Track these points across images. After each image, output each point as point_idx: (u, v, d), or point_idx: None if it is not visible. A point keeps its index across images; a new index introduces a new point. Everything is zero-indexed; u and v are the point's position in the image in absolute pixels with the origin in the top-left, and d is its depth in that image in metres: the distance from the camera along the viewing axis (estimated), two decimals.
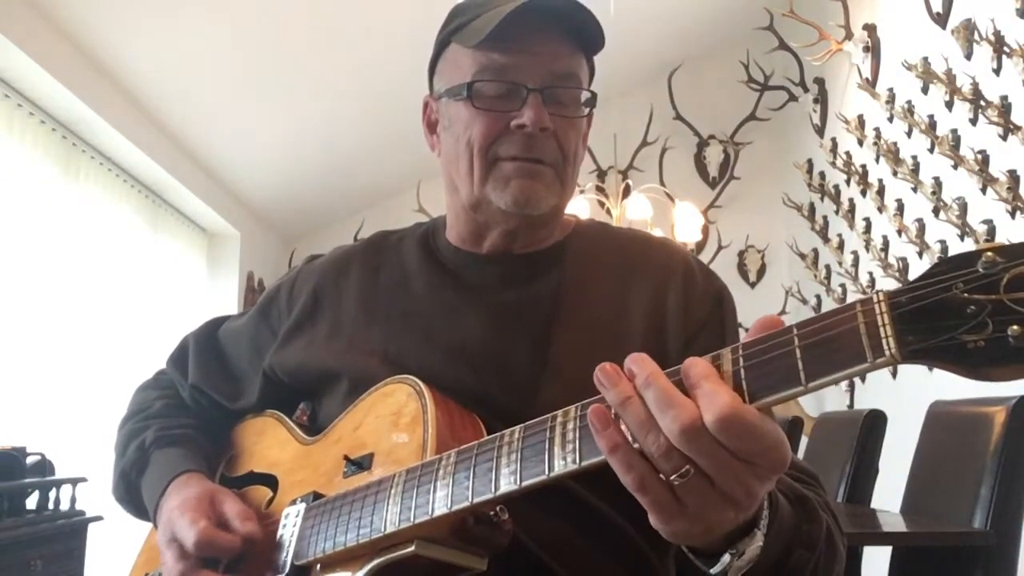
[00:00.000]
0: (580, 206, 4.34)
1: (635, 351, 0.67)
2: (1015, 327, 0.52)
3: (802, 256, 5.21)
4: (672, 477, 0.63)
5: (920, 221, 3.66)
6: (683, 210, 4.59)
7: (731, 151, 5.91)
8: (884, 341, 0.56)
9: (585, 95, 1.01)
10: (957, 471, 2.11)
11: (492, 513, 0.78)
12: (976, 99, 3.12)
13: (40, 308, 3.51)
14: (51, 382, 3.54)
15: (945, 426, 2.29)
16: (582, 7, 0.96)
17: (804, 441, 3.55)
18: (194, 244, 5.35)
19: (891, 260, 4.00)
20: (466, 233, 1.06)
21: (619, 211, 4.75)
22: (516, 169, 0.97)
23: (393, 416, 0.91)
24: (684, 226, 4.55)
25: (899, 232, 3.85)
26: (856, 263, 4.45)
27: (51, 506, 2.83)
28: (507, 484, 0.73)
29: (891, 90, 3.93)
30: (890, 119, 3.94)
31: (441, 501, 0.76)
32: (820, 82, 5.06)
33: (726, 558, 0.69)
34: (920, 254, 3.67)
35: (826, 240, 4.87)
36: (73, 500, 2.92)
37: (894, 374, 3.92)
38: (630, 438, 0.64)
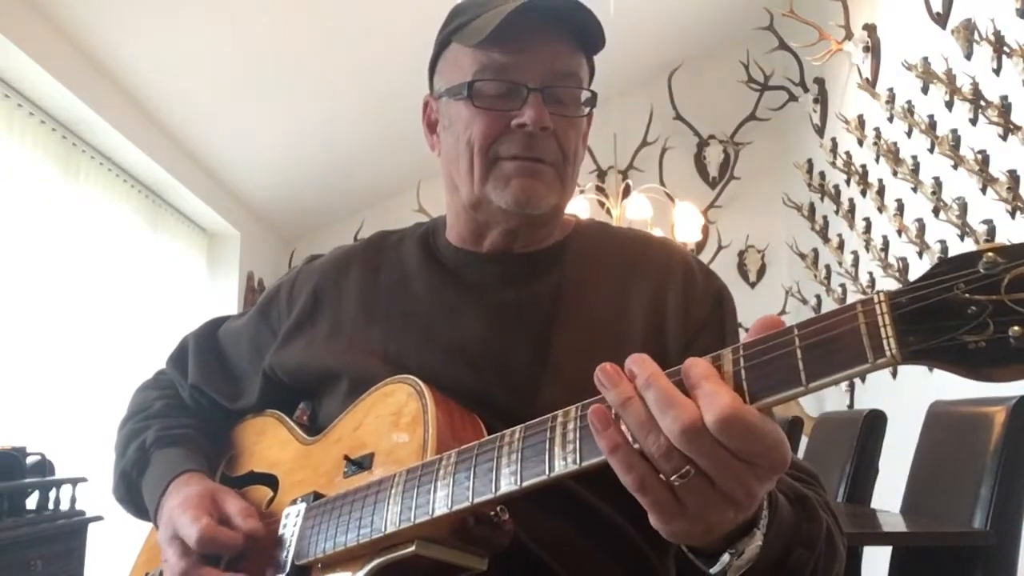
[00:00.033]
0: (580, 206, 4.34)
1: (635, 351, 0.67)
2: (1016, 328, 0.52)
3: (802, 256, 5.21)
4: (672, 477, 0.63)
5: (920, 221, 3.66)
6: (683, 210, 4.59)
7: (731, 151, 5.91)
8: (885, 342, 0.56)
9: (585, 94, 1.01)
10: (957, 471, 2.11)
11: (492, 513, 0.78)
12: (976, 99, 3.12)
13: (40, 308, 3.51)
14: (51, 382, 3.54)
15: (945, 426, 2.29)
16: (583, 7, 0.96)
17: (804, 441, 3.56)
18: (194, 244, 5.35)
19: (891, 260, 4.00)
20: (466, 233, 1.06)
21: (619, 211, 4.75)
22: (516, 168, 0.97)
23: (393, 416, 0.91)
24: (684, 226, 4.55)
25: (899, 232, 3.85)
26: (856, 263, 4.45)
27: (51, 506, 2.83)
28: (507, 484, 0.73)
29: (891, 90, 3.93)
30: (890, 119, 3.94)
31: (441, 501, 0.76)
32: (820, 82, 5.06)
33: (726, 558, 0.69)
34: (920, 254, 3.67)
35: (826, 240, 4.88)
36: (73, 500, 2.92)
37: (894, 374, 3.92)
38: (630, 438, 0.64)
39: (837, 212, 4.71)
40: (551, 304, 1.00)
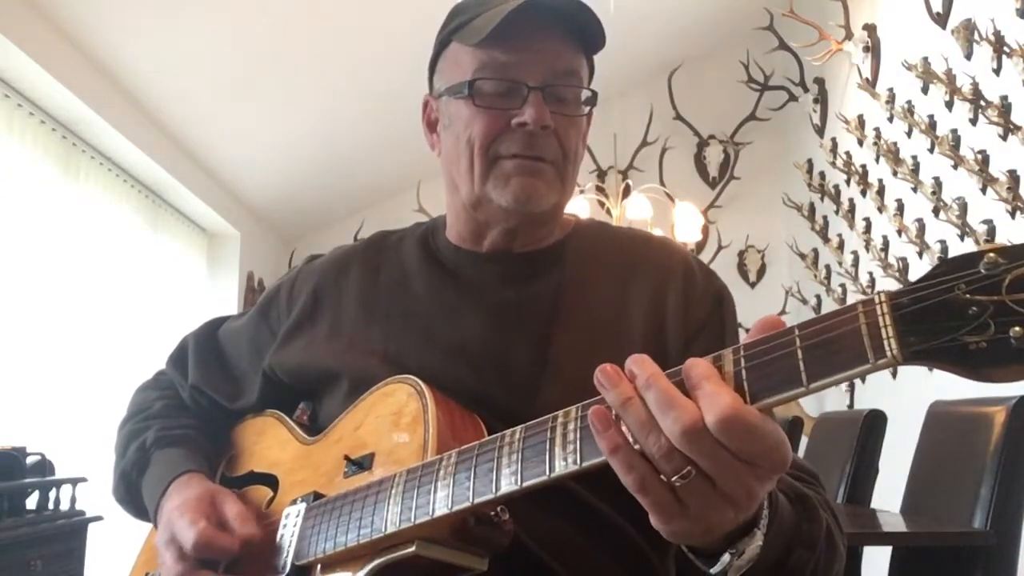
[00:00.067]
0: (580, 206, 4.34)
1: (635, 351, 0.67)
2: (1017, 328, 0.52)
3: (802, 256, 5.21)
4: (673, 478, 0.63)
5: (920, 221, 3.66)
6: (683, 210, 4.59)
7: (731, 151, 5.91)
8: (886, 342, 0.56)
9: (585, 93, 1.01)
10: (957, 471, 2.11)
11: (493, 513, 0.78)
12: (976, 99, 3.12)
13: (40, 308, 3.51)
14: (51, 382, 3.54)
15: (945, 426, 2.29)
16: (583, 6, 0.96)
17: (804, 441, 3.56)
18: (194, 244, 5.35)
19: (891, 260, 4.00)
20: (466, 232, 1.06)
21: (619, 211, 4.76)
22: (517, 167, 0.97)
23: (394, 416, 0.91)
24: (684, 226, 4.55)
25: (899, 232, 3.85)
26: (856, 263, 4.45)
27: (51, 506, 2.83)
28: (508, 484, 0.73)
29: (891, 90, 3.93)
30: (890, 119, 3.94)
31: (442, 501, 0.76)
32: (820, 82, 5.06)
33: (726, 558, 0.69)
34: (920, 254, 3.67)
35: (826, 240, 4.87)
36: (73, 500, 2.92)
37: (894, 374, 3.92)
38: (631, 439, 0.64)
39: (837, 212, 4.71)
40: (551, 304, 1.00)
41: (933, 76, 3.44)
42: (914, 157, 3.72)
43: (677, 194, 5.06)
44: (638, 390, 0.64)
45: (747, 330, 0.65)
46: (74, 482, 2.93)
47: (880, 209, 4.09)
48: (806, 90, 5.33)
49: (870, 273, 4.29)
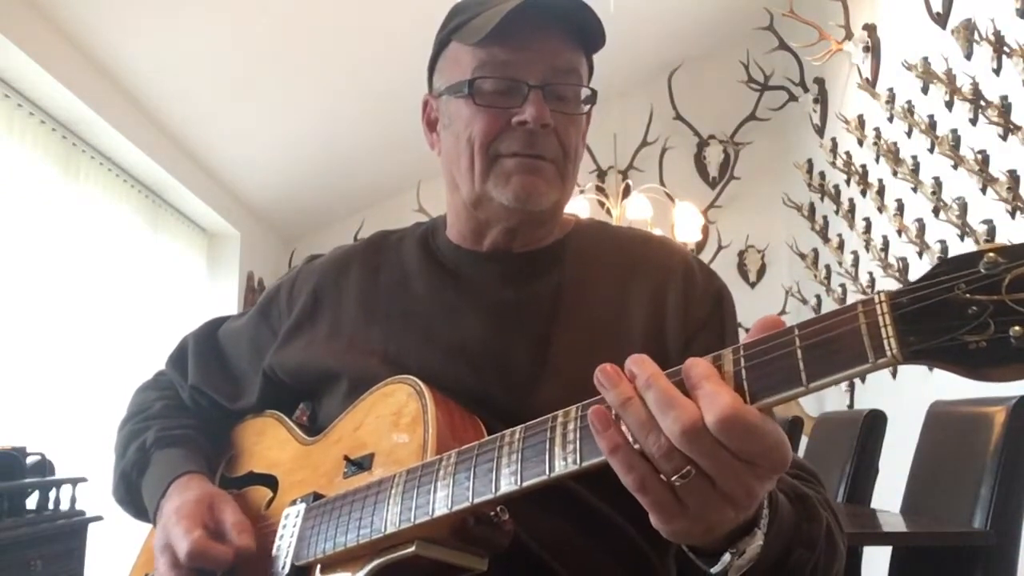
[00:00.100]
0: (580, 206, 4.34)
1: (635, 351, 0.67)
2: (1017, 328, 0.52)
3: (802, 256, 5.21)
4: (673, 478, 0.63)
5: (920, 221, 3.66)
6: (683, 210, 4.59)
7: (731, 151, 5.91)
8: (885, 341, 0.56)
9: (585, 92, 1.01)
10: (957, 471, 2.11)
11: (493, 514, 0.78)
12: (976, 99, 3.12)
13: (40, 308, 3.51)
14: (51, 382, 3.54)
15: (945, 426, 2.28)
16: (583, 5, 0.97)
17: (804, 441, 3.55)
18: (194, 244, 5.34)
19: (891, 260, 4.00)
20: (467, 231, 1.06)
21: (619, 211, 4.75)
22: (517, 165, 0.97)
23: (393, 416, 0.91)
24: (684, 226, 4.55)
25: (899, 232, 3.85)
26: (856, 263, 4.45)
27: (51, 506, 2.83)
28: (508, 484, 0.72)
29: (891, 90, 3.93)
30: (890, 119, 3.94)
31: (441, 501, 0.76)
32: (820, 82, 5.06)
33: (726, 557, 0.69)
34: (920, 254, 3.67)
35: (826, 240, 4.87)
36: (73, 500, 2.92)
37: (894, 374, 3.92)
38: (631, 439, 0.64)
39: (837, 212, 4.71)
40: (551, 304, 1.00)
41: (933, 76, 3.44)
42: (914, 157, 3.72)
43: (677, 194, 5.06)
44: (638, 390, 0.64)
45: (747, 330, 0.65)
46: (74, 482, 2.93)
47: (880, 209, 4.09)
48: (806, 90, 5.33)
49: (870, 273, 4.29)
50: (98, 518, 2.98)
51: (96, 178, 4.08)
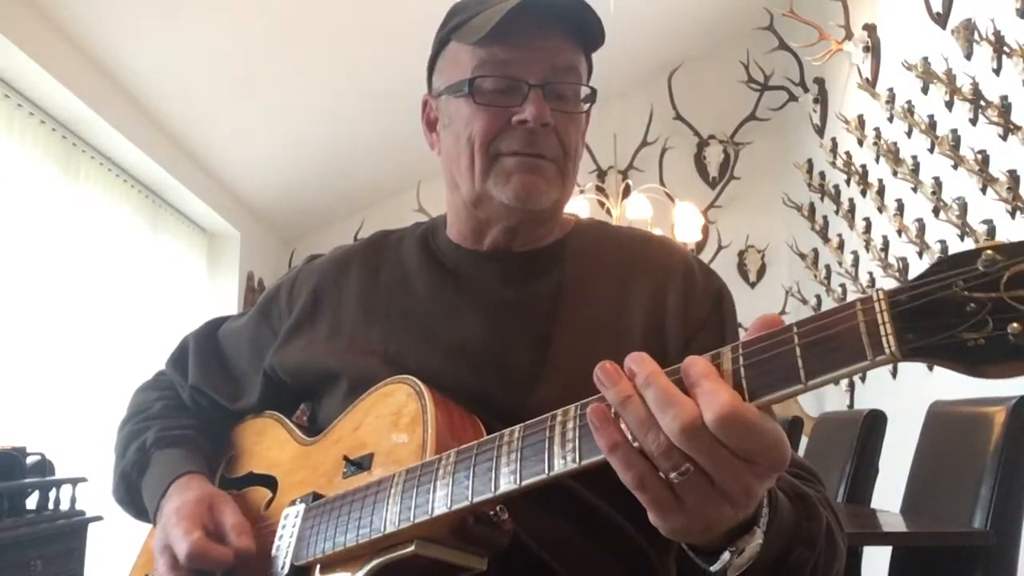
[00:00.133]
0: (580, 206, 4.34)
1: (635, 350, 0.67)
2: (1015, 324, 0.52)
3: (802, 256, 5.21)
4: (672, 475, 0.63)
5: (920, 221, 3.66)
6: (683, 210, 4.59)
7: (731, 151, 5.91)
8: (884, 339, 0.56)
9: (585, 91, 1.01)
10: (957, 471, 2.11)
11: (492, 513, 0.78)
12: (976, 99, 3.12)
13: (40, 308, 3.51)
14: (51, 382, 3.54)
15: (945, 426, 2.28)
16: (582, 3, 0.97)
17: (804, 441, 3.55)
18: (194, 244, 5.35)
19: (891, 260, 4.00)
20: (467, 230, 1.06)
21: (619, 211, 4.75)
22: (518, 164, 0.97)
23: (393, 416, 0.91)
24: (684, 226, 4.55)
25: (899, 232, 3.85)
26: (856, 263, 4.45)
27: (51, 506, 2.82)
28: (507, 483, 0.73)
29: (891, 90, 3.93)
30: (890, 119, 3.94)
31: (441, 501, 0.76)
32: (820, 82, 5.06)
33: (726, 556, 0.69)
34: (920, 254, 3.66)
35: (826, 240, 4.87)
36: (73, 500, 2.92)
37: (894, 374, 3.92)
38: (630, 437, 0.64)
39: (837, 212, 4.71)
40: (551, 303, 1.00)
41: (933, 76, 3.44)
42: (914, 157, 3.72)
43: (677, 194, 5.06)
44: (637, 388, 0.64)
45: (747, 330, 0.66)
46: (74, 482, 2.93)
47: (880, 209, 4.09)
48: (806, 90, 5.33)
49: (870, 273, 4.29)
50: (98, 518, 2.98)
51: (96, 178, 4.08)
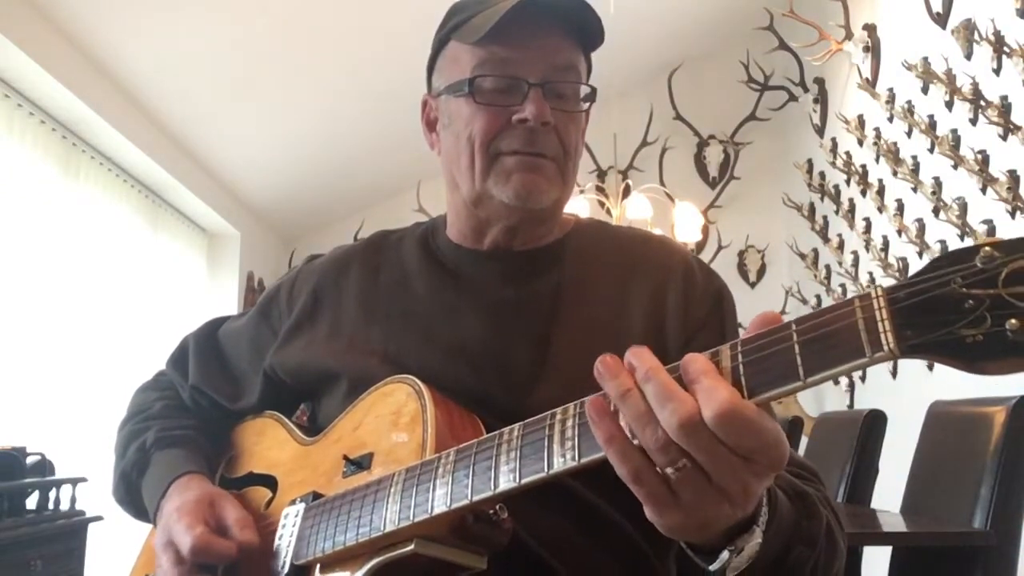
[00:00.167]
0: (580, 206, 4.34)
1: None
2: (1013, 321, 0.52)
3: (802, 256, 5.21)
4: (668, 471, 0.63)
5: (920, 221, 3.66)
6: (683, 210, 4.59)
7: (731, 151, 5.91)
8: (882, 336, 0.56)
9: (585, 90, 1.01)
10: (957, 471, 2.11)
11: (492, 512, 0.78)
12: (976, 99, 3.12)
13: (40, 308, 3.51)
14: (51, 382, 3.54)
15: (945, 426, 2.28)
16: (582, 3, 0.97)
17: (804, 441, 3.56)
18: (194, 244, 5.35)
19: (891, 260, 4.00)
20: (467, 229, 1.06)
21: (619, 211, 4.75)
22: (518, 163, 0.97)
23: (393, 416, 0.91)
24: (684, 226, 4.55)
25: (899, 232, 3.85)
26: (856, 263, 4.45)
27: (51, 506, 2.83)
28: (506, 482, 0.73)
29: (891, 90, 3.93)
30: (890, 119, 3.94)
31: (440, 499, 0.76)
32: (820, 82, 5.06)
33: (725, 555, 0.69)
34: (920, 254, 3.66)
35: (826, 240, 4.88)
36: (73, 500, 2.92)
37: (894, 374, 3.92)
38: (627, 431, 0.64)
39: (837, 212, 4.71)
40: (551, 303, 1.01)
41: (933, 76, 3.44)
42: (914, 157, 3.72)
43: (677, 194, 5.06)
44: (637, 382, 0.64)
45: (746, 329, 0.66)
46: (74, 482, 2.93)
47: (880, 209, 4.09)
48: (806, 90, 5.33)
49: (870, 273, 4.29)
50: (98, 518, 2.98)
51: (96, 178, 4.08)
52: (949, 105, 3.37)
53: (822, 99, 5.03)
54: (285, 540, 0.92)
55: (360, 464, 0.91)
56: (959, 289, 0.54)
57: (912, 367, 3.67)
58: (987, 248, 0.54)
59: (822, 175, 5.01)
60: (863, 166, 4.34)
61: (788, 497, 0.77)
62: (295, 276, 1.15)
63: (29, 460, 2.77)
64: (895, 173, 3.86)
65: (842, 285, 4.70)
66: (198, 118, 4.45)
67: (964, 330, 0.54)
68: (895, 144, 3.89)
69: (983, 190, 3.10)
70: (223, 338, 1.19)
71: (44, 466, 2.83)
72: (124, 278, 4.27)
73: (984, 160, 3.08)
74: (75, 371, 3.75)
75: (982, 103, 3.07)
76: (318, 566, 0.87)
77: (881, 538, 2.28)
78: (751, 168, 5.85)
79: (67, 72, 3.45)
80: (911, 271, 3.86)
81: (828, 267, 4.92)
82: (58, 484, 2.86)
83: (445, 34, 1.03)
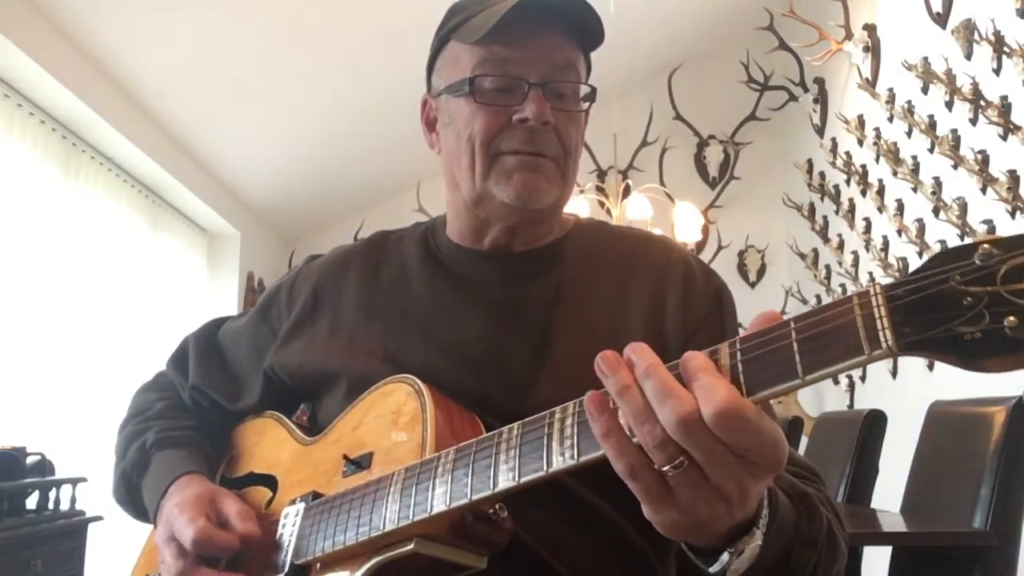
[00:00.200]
0: (580, 206, 4.34)
1: None
2: (1011, 318, 0.52)
3: (802, 256, 5.21)
4: (665, 468, 0.63)
5: (920, 221, 3.66)
6: (683, 210, 4.59)
7: (731, 151, 5.91)
8: (881, 333, 0.56)
9: (585, 89, 1.01)
10: (957, 471, 2.11)
11: (491, 511, 0.78)
12: (976, 99, 3.12)
13: (40, 308, 3.51)
14: (51, 382, 3.54)
15: (945, 426, 2.28)
16: (582, 2, 0.97)
17: (804, 441, 3.56)
18: (194, 244, 5.35)
19: (891, 260, 4.00)
20: (467, 230, 1.06)
21: (619, 211, 4.75)
22: (518, 163, 0.97)
23: (392, 415, 0.91)
24: (684, 226, 4.55)
25: (899, 232, 3.85)
26: (856, 263, 4.45)
27: (51, 506, 2.82)
28: (505, 481, 0.73)
29: (891, 90, 3.93)
30: (890, 119, 3.94)
31: (440, 498, 0.76)
32: (820, 82, 5.06)
33: (725, 557, 0.69)
34: (920, 254, 3.66)
35: (826, 240, 4.88)
36: (73, 500, 2.92)
37: (894, 374, 3.93)
38: (626, 428, 0.64)
39: (837, 212, 4.71)
40: (551, 303, 1.01)
41: (933, 76, 3.44)
42: (914, 157, 3.72)
43: (677, 194, 5.06)
44: (637, 379, 0.64)
45: (746, 329, 0.65)
46: (74, 482, 2.93)
47: (880, 209, 4.09)
48: (806, 90, 5.33)
49: (870, 273, 4.29)
50: (98, 518, 2.98)
51: (96, 178, 4.08)
52: (949, 105, 3.37)
53: (822, 99, 5.03)
54: (285, 539, 0.92)
55: (360, 464, 0.91)
56: (957, 286, 0.54)
57: (912, 367, 3.67)
58: (985, 245, 0.53)
59: (822, 175, 5.01)
60: (863, 166, 4.34)
61: (789, 498, 0.77)
62: (295, 276, 1.15)
63: (29, 460, 2.77)
64: (895, 173, 3.86)
65: (842, 285, 4.70)
66: (198, 118, 4.45)
67: (962, 327, 0.54)
68: (895, 144, 3.90)
69: (983, 190, 3.10)
70: (223, 338, 1.19)
71: (44, 466, 2.83)
72: (124, 278, 4.27)
73: (984, 160, 3.08)
74: (75, 371, 3.75)
75: (982, 103, 3.08)
76: (318, 565, 0.87)
77: (881, 538, 2.28)
78: (751, 168, 5.85)
79: (67, 72, 3.45)
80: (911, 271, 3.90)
81: (828, 267, 4.92)
82: (58, 484, 2.86)
83: (445, 34, 1.03)
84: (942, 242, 3.46)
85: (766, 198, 5.73)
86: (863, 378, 4.42)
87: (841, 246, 4.65)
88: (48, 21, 3.34)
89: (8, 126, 3.35)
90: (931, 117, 3.53)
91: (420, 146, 1.13)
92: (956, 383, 2.44)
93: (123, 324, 4.22)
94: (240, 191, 5.45)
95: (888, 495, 2.67)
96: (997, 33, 2.97)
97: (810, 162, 5.21)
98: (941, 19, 3.44)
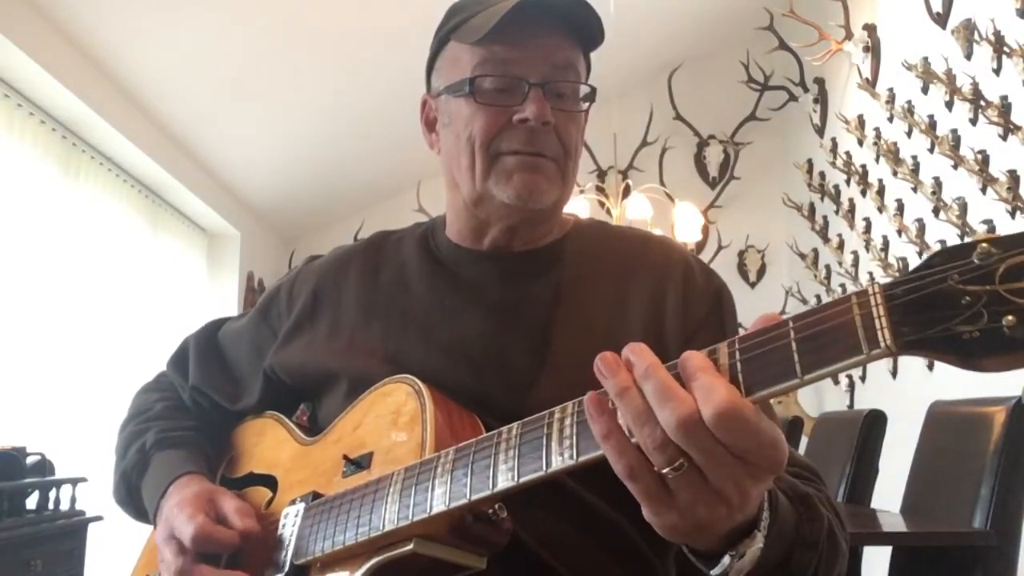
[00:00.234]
0: (580, 206, 4.34)
1: None
2: (1010, 317, 0.52)
3: (802, 256, 5.22)
4: (665, 470, 0.63)
5: (920, 221, 3.66)
6: (683, 210, 4.59)
7: (731, 151, 5.91)
8: (879, 333, 0.56)
9: (584, 89, 1.01)
10: (957, 471, 2.11)
11: (491, 511, 0.78)
12: (976, 99, 3.12)
13: (40, 308, 3.51)
14: (51, 382, 3.54)
15: (945, 426, 2.28)
16: (582, 2, 0.97)
17: (804, 441, 3.56)
18: (194, 244, 5.35)
19: (891, 260, 4.00)
20: (467, 230, 1.06)
21: (619, 211, 4.75)
22: (518, 163, 0.97)
23: (392, 415, 0.91)
24: (684, 226, 4.55)
25: (899, 232, 3.85)
26: (856, 263, 4.45)
27: (51, 506, 2.83)
28: (505, 481, 0.73)
29: (891, 90, 3.93)
30: (890, 119, 3.94)
31: (439, 499, 0.76)
32: (820, 82, 5.06)
33: (726, 559, 0.69)
34: (920, 254, 3.66)
35: (826, 240, 4.88)
36: (73, 500, 2.92)
37: (894, 374, 3.92)
38: (625, 429, 0.64)
39: (837, 212, 4.71)
40: (550, 303, 1.01)
41: (933, 76, 3.44)
42: (914, 157, 3.72)
43: (677, 194, 5.06)
44: (636, 380, 0.64)
45: (746, 330, 0.65)
46: (74, 482, 2.93)
47: (880, 209, 4.09)
48: (806, 90, 5.33)
49: (870, 273, 4.29)
50: (98, 518, 2.98)
51: (96, 178, 4.08)
52: (949, 105, 3.37)
53: (822, 99, 5.03)
54: (285, 539, 0.92)
55: (360, 464, 0.91)
56: (956, 285, 0.54)
57: (912, 367, 3.67)
58: (984, 244, 0.53)
59: (822, 175, 5.01)
60: (863, 166, 4.34)
61: (789, 499, 0.77)
62: (295, 276, 1.15)
63: (29, 460, 2.77)
64: (895, 173, 3.86)
65: (842, 285, 4.70)
66: (198, 118, 4.45)
67: (961, 326, 0.54)
68: (895, 144, 3.90)
69: (983, 190, 3.10)
70: (223, 339, 1.19)
71: (44, 466, 2.83)
72: (124, 278, 4.28)
73: (984, 160, 3.08)
74: (75, 371, 3.75)
75: (982, 103, 3.08)
76: (317, 565, 0.87)
77: (881, 538, 2.28)
78: (751, 168, 5.85)
79: (67, 72, 3.45)
80: None
81: (828, 267, 4.92)
82: (58, 484, 2.86)
83: (445, 34, 1.03)
84: (942, 242, 3.46)
85: (766, 198, 5.73)
86: (863, 378, 4.42)
87: (841, 246, 4.65)
88: (48, 21, 3.34)
89: (8, 126, 3.35)
90: (931, 117, 3.53)
91: (420, 146, 1.13)
92: (956, 383, 2.44)
93: (123, 324, 4.22)
94: (240, 191, 5.45)
95: (888, 495, 2.67)
96: (997, 33, 2.97)
97: (810, 162, 5.21)
98: (941, 19, 3.44)
